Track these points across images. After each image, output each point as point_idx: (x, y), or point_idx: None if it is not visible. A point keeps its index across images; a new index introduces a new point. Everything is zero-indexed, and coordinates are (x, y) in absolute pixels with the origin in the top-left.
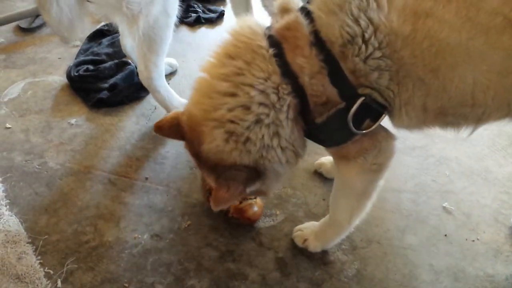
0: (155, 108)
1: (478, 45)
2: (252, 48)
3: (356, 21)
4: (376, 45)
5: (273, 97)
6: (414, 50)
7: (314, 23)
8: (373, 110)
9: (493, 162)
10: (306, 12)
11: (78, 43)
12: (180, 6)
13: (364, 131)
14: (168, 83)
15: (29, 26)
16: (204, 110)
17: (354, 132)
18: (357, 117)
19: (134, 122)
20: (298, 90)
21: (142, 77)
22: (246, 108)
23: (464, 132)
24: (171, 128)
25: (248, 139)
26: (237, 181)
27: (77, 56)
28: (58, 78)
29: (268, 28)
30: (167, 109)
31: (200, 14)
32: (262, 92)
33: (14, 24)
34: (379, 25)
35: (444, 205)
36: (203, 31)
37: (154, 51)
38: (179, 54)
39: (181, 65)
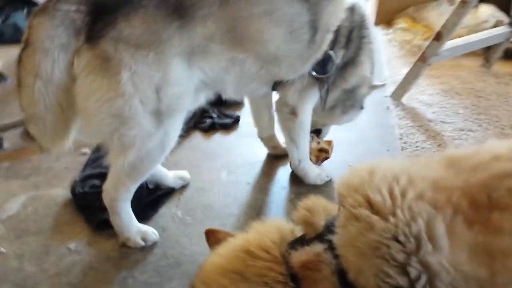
0: (163, 231)
1: None
2: (266, 281)
3: (402, 268)
4: None
5: None
6: None
7: (338, 260)
8: None
9: None
10: (329, 243)
11: (87, 150)
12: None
13: None
14: (179, 199)
15: None
16: None
17: None
18: None
19: (138, 249)
20: None
21: (106, 196)
22: None
23: None
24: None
25: None
26: None
27: (85, 167)
28: (62, 192)
29: (291, 246)
30: (122, 235)
31: (215, 120)
32: None
33: (21, 129)
34: (439, 272)
35: None
36: (218, 138)
37: (133, 179)
38: (192, 164)
39: (193, 177)
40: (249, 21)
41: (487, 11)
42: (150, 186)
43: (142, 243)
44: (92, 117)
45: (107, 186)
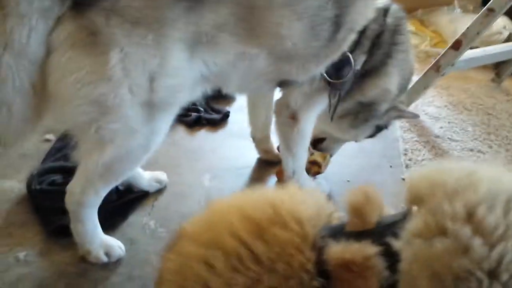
0: (131, 244)
1: None
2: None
3: None
4: None
5: None
6: None
7: (395, 276)
8: None
9: None
10: (386, 248)
11: (52, 137)
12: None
13: None
14: (153, 205)
15: None
16: None
17: None
18: None
19: (100, 266)
20: None
21: (70, 199)
22: None
23: None
24: None
25: None
26: None
27: (46, 157)
28: (17, 185)
29: (329, 233)
30: (82, 247)
31: (202, 114)
32: None
33: None
34: None
35: None
36: (203, 135)
37: (106, 181)
38: (171, 164)
39: (171, 180)
40: (268, 11)
41: (501, 23)
42: (121, 187)
43: (105, 259)
44: (66, 101)
45: (73, 187)
